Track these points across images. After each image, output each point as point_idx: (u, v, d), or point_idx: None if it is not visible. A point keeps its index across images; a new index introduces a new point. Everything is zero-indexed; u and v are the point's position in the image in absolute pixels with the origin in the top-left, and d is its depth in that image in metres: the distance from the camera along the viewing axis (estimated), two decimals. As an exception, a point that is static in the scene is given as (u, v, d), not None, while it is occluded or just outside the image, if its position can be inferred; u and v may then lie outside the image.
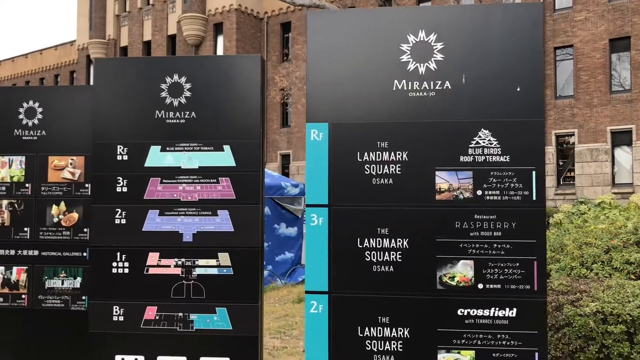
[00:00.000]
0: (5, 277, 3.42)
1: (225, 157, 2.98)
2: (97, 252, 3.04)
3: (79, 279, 3.38)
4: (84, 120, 3.37)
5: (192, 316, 2.93)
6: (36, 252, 3.40)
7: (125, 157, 3.03)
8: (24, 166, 3.45)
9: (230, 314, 2.92)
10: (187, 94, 3.02)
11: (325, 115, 2.49)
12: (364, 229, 2.46)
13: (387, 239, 2.45)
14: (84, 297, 3.36)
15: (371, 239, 2.45)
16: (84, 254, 3.38)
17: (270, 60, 27.13)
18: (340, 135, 2.48)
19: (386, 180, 2.46)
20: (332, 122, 2.49)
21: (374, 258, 2.44)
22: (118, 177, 3.03)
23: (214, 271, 2.95)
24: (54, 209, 3.41)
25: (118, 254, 3.01)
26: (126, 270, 2.99)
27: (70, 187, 3.41)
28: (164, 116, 3.02)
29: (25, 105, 3.45)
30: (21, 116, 3.44)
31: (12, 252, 3.42)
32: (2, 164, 3.47)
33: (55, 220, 3.40)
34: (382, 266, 2.44)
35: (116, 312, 2.99)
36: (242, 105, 2.99)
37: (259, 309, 2.94)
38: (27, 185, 3.44)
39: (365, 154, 2.48)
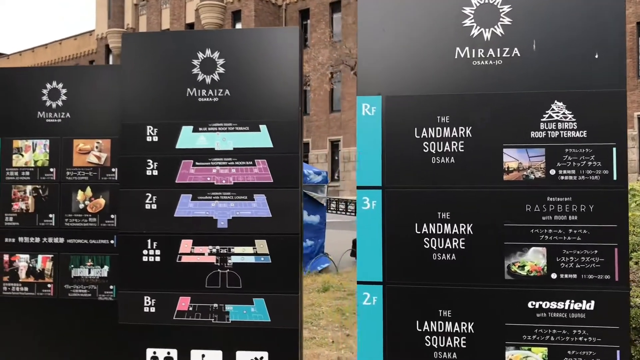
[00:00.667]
0: (31, 265, 3.24)
1: (261, 138, 2.76)
2: (126, 239, 2.85)
3: (106, 268, 3.19)
4: (110, 102, 3.17)
5: (228, 307, 2.74)
6: (62, 240, 3.22)
7: (156, 139, 2.83)
8: (48, 150, 3.25)
9: (268, 305, 2.72)
10: (221, 70, 2.80)
11: (378, 87, 2.23)
12: (422, 213, 2.21)
13: (449, 224, 2.20)
14: (111, 287, 3.17)
15: (430, 224, 2.20)
16: (111, 242, 3.18)
17: (288, 48, 26.97)
18: (395, 109, 2.22)
19: (447, 159, 2.21)
20: (385, 95, 2.23)
21: (433, 245, 2.20)
22: (148, 160, 2.82)
23: (251, 259, 2.74)
24: (80, 195, 3.22)
25: (149, 241, 2.81)
26: (157, 259, 2.80)
27: (96, 171, 3.21)
28: (196, 94, 2.80)
29: (48, 86, 3.25)
30: (45, 98, 3.25)
31: (37, 239, 3.24)
32: (25, 148, 3.28)
33: (81, 206, 3.21)
34: (443, 254, 2.19)
35: (147, 302, 2.80)
36: (280, 82, 2.76)
37: (298, 299, 2.72)
38: (51, 170, 3.25)
39: (424, 130, 2.22)
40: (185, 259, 2.77)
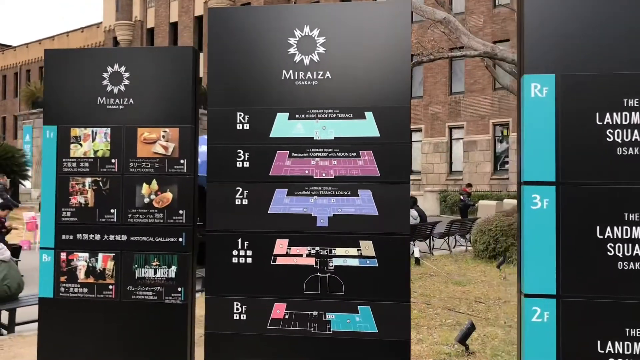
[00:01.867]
0: (90, 265, 2.78)
1: (367, 126, 2.34)
2: (213, 239, 2.41)
3: (173, 268, 2.73)
4: (179, 87, 2.71)
5: (329, 315, 2.34)
6: (124, 237, 2.77)
7: (247, 127, 2.38)
8: (109, 139, 2.79)
9: (375, 314, 2.33)
10: (321, 50, 2.36)
11: (550, 64, 1.79)
12: (605, 213, 1.80)
13: (638, 228, 1.79)
14: (179, 289, 2.72)
15: (615, 228, 1.79)
16: (180, 239, 2.73)
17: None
18: (572, 90, 1.80)
19: (636, 150, 1.79)
20: (560, 74, 1.80)
21: (619, 252, 1.78)
22: (238, 150, 2.38)
23: (355, 262, 2.33)
24: (145, 188, 2.75)
25: (239, 240, 2.38)
26: (249, 260, 2.38)
27: (163, 163, 2.75)
28: (292, 77, 2.38)
29: (109, 69, 2.78)
30: (105, 82, 2.78)
31: (97, 236, 2.78)
32: (84, 137, 2.81)
33: (146, 200, 2.75)
34: (631, 263, 1.78)
35: (237, 309, 2.38)
36: (388, 63, 2.36)
37: (409, 308, 2.28)
38: (113, 160, 2.78)
39: (607, 115, 1.80)
40: (280, 260, 2.38)
